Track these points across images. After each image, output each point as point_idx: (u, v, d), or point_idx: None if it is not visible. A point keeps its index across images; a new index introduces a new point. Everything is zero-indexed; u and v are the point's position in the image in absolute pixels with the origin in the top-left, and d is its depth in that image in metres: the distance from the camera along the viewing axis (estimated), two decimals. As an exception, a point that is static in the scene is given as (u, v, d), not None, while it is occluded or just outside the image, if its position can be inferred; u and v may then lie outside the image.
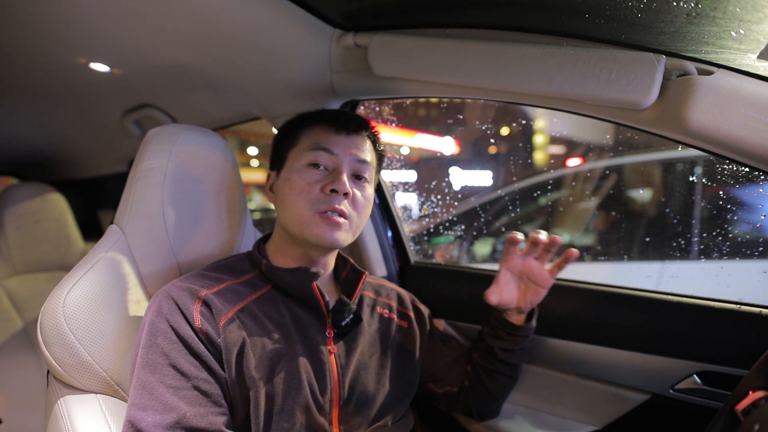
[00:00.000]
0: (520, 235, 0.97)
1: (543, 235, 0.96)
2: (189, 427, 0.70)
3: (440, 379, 1.07)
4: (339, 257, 1.01)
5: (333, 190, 0.86)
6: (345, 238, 0.88)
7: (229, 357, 0.77)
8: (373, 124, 0.99)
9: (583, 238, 2.98)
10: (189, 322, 0.77)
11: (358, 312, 0.94)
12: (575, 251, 0.94)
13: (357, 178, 0.92)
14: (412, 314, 1.06)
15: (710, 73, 0.76)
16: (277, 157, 0.97)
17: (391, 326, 1.01)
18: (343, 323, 0.90)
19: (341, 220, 0.86)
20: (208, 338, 0.77)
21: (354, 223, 0.89)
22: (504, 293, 0.99)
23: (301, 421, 0.81)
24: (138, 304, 0.88)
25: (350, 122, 0.93)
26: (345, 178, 0.87)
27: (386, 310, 1.02)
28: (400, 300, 1.07)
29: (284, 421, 0.79)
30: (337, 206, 0.86)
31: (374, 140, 0.98)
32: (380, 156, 1.00)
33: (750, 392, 0.69)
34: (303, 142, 0.92)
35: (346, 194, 0.86)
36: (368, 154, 0.94)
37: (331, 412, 0.85)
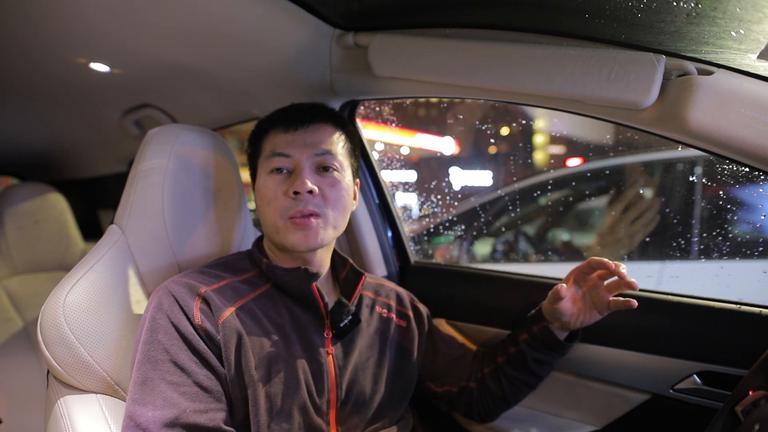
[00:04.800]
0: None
1: (624, 271, 0.87)
2: (188, 423, 0.70)
3: (440, 378, 1.07)
4: (338, 256, 1.01)
5: (296, 192, 0.85)
6: (323, 236, 0.87)
7: (228, 354, 0.77)
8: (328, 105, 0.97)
9: (582, 237, 2.98)
10: (189, 319, 0.77)
11: (356, 313, 0.94)
12: (634, 302, 0.88)
13: (324, 169, 0.89)
14: (410, 314, 1.06)
15: (710, 73, 0.76)
16: (251, 170, 0.98)
17: (390, 326, 1.00)
18: (342, 324, 0.90)
19: (313, 220, 0.85)
20: (207, 335, 0.77)
21: (330, 217, 0.87)
22: (566, 302, 0.93)
23: (299, 422, 0.81)
24: (138, 303, 0.88)
25: (301, 116, 0.90)
26: (304, 177, 0.85)
27: (385, 310, 1.02)
28: (399, 299, 1.07)
29: (284, 422, 0.79)
30: (304, 209, 0.84)
31: (336, 122, 0.94)
32: (349, 135, 0.96)
33: (750, 392, 0.69)
34: (264, 150, 0.92)
35: (311, 192, 0.85)
36: (330, 143, 0.90)
37: (328, 413, 0.85)
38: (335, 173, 0.90)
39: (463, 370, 1.07)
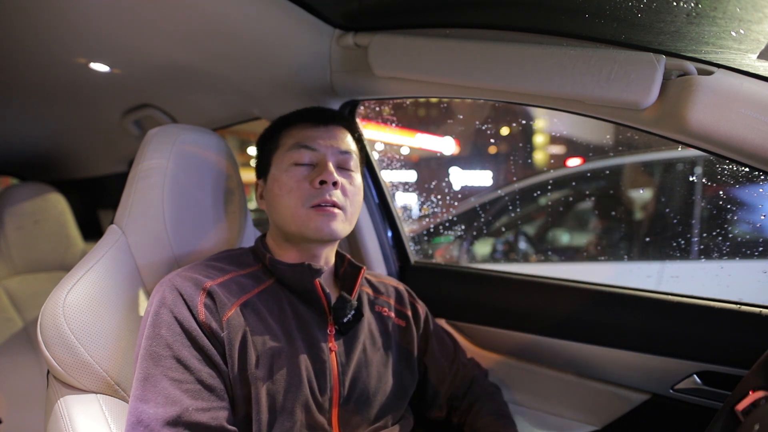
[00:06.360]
0: None
1: None
2: (191, 421, 0.70)
3: (441, 380, 1.06)
4: (336, 254, 1.01)
5: (322, 182, 0.87)
6: (342, 228, 0.89)
7: (232, 352, 0.77)
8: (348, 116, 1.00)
9: (583, 238, 2.98)
10: (193, 315, 0.77)
11: (359, 308, 0.94)
12: None
13: (342, 168, 0.93)
14: (409, 313, 1.05)
15: (710, 73, 0.76)
16: (262, 164, 0.98)
17: (390, 325, 1.00)
18: (345, 320, 0.90)
19: (335, 210, 0.88)
20: (211, 332, 0.77)
21: (348, 212, 0.91)
22: None
23: (302, 420, 0.80)
24: (138, 303, 0.88)
25: (326, 115, 0.95)
26: (331, 168, 0.89)
27: (385, 309, 1.02)
28: (399, 297, 1.07)
29: (286, 420, 0.79)
30: (328, 198, 0.87)
31: (351, 130, 0.99)
32: (360, 144, 1.01)
33: (750, 392, 0.69)
34: (284, 144, 0.94)
35: (335, 184, 0.88)
36: (349, 144, 0.96)
37: (330, 411, 0.85)
38: (353, 173, 0.94)
39: (443, 396, 1.05)
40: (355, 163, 0.95)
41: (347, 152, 0.93)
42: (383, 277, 1.11)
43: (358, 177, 0.96)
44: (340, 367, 0.87)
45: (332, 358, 0.87)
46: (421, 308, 1.09)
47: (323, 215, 0.87)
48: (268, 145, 0.97)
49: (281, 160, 0.92)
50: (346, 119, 0.99)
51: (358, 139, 1.00)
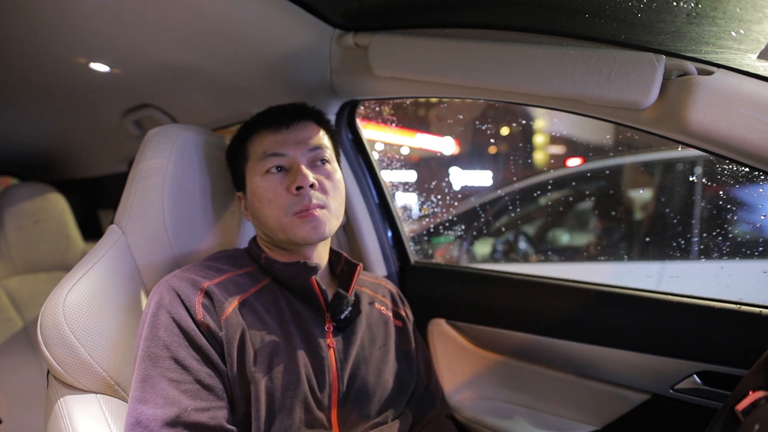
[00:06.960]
0: None
1: None
2: (190, 421, 0.70)
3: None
4: (332, 252, 1.01)
5: (298, 188, 0.86)
6: (330, 226, 0.89)
7: (231, 351, 0.77)
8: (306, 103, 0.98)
9: (583, 238, 2.98)
10: (191, 315, 0.77)
11: (356, 304, 0.94)
12: None
13: (317, 164, 0.91)
14: (403, 313, 1.06)
15: (710, 73, 0.76)
16: (236, 177, 0.97)
17: (389, 323, 1.01)
18: (342, 316, 0.90)
19: (318, 212, 0.87)
20: (209, 331, 0.77)
21: (332, 207, 0.90)
22: None
23: (301, 417, 0.80)
24: (138, 303, 0.88)
25: (287, 116, 0.93)
26: (305, 171, 0.87)
27: (383, 308, 1.02)
28: (393, 299, 1.07)
29: (285, 418, 0.79)
30: (309, 203, 0.86)
31: (318, 119, 0.97)
32: (331, 132, 0.99)
33: (750, 392, 0.69)
34: (252, 154, 0.92)
35: (312, 186, 0.87)
36: (319, 138, 0.93)
37: (330, 409, 0.85)
38: (328, 165, 0.93)
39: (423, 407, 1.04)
40: (329, 154, 0.93)
41: (318, 147, 0.91)
42: (377, 278, 1.12)
43: (335, 168, 0.94)
44: (338, 364, 0.87)
45: (330, 355, 0.87)
46: (410, 315, 1.10)
47: (308, 222, 0.86)
48: (237, 157, 0.96)
49: (254, 171, 0.91)
50: (309, 112, 0.96)
51: (330, 129, 0.98)
